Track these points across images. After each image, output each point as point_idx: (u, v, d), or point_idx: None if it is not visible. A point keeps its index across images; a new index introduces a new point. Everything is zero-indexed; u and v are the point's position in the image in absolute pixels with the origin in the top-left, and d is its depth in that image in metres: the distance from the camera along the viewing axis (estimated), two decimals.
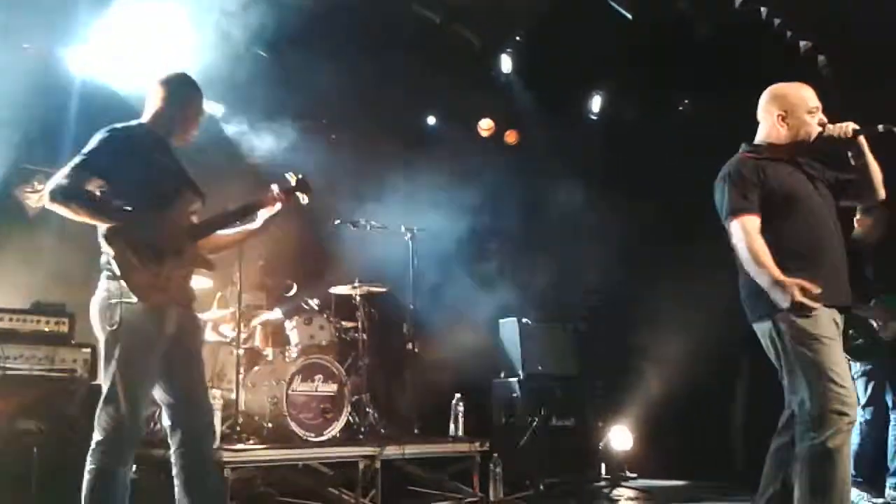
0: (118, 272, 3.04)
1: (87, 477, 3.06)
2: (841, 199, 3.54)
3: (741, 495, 5.94)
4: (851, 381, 3.21)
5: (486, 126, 8.26)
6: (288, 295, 6.39)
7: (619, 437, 7.03)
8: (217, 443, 4.90)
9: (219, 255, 3.68)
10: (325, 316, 6.14)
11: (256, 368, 5.90)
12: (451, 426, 6.33)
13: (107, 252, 3.08)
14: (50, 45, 5.96)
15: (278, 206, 3.60)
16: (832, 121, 3.49)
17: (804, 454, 3.14)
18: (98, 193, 3.12)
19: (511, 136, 8.33)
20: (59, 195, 3.06)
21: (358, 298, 6.41)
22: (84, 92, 6.10)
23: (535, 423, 6.18)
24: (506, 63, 7.70)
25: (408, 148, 7.39)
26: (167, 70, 3.55)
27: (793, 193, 3.37)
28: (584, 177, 7.71)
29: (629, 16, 6.81)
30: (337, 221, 6.29)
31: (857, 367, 5.19)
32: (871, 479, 5.16)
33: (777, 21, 6.69)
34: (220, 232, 3.55)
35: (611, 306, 7.83)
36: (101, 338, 3.12)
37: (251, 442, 5.29)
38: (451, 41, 7.17)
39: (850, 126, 3.41)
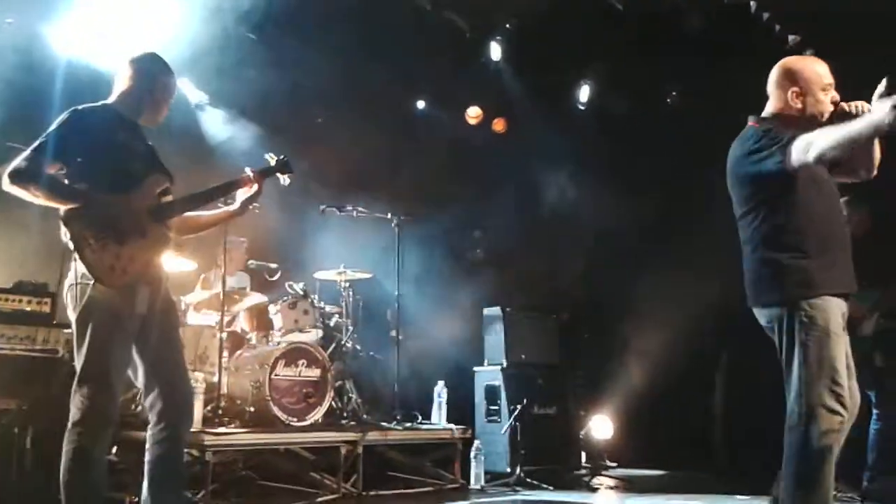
0: (76, 254, 3.03)
1: (63, 458, 3.05)
2: (833, 173, 3.33)
3: (719, 485, 6.02)
4: (847, 381, 3.10)
5: (474, 114, 8.24)
6: (272, 279, 6.37)
7: (600, 427, 7.07)
8: (199, 426, 4.90)
9: (198, 235, 3.66)
10: (309, 301, 6.13)
11: (239, 352, 5.88)
12: (434, 413, 6.36)
13: (64, 234, 3.06)
14: (33, 20, 5.87)
15: (254, 187, 3.55)
16: None
17: (792, 447, 3.08)
18: (57, 175, 3.10)
19: (499, 125, 8.32)
20: (17, 178, 3.04)
21: (343, 284, 6.40)
22: (68, 70, 6.03)
23: (517, 411, 6.20)
24: (495, 50, 7.68)
25: (396, 134, 7.37)
26: (137, 49, 3.51)
27: (813, 175, 3.15)
28: (571, 167, 7.72)
29: (619, 6, 6.80)
30: (323, 207, 6.27)
31: None
32: (849, 473, 5.23)
33: (766, 15, 6.70)
34: (197, 213, 3.52)
35: (594, 296, 7.87)
36: (72, 319, 3.11)
37: (233, 426, 5.27)
38: (441, 27, 7.13)
39: (864, 104, 3.20)
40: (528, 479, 6.02)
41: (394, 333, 6.55)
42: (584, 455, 6.76)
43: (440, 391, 6.40)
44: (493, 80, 7.87)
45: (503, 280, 7.48)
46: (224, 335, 5.60)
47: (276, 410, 5.35)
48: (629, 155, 7.65)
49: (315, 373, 5.64)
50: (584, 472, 6.51)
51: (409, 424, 6.15)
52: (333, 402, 5.83)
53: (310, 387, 5.59)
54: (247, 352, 5.85)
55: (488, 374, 6.69)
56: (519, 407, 6.21)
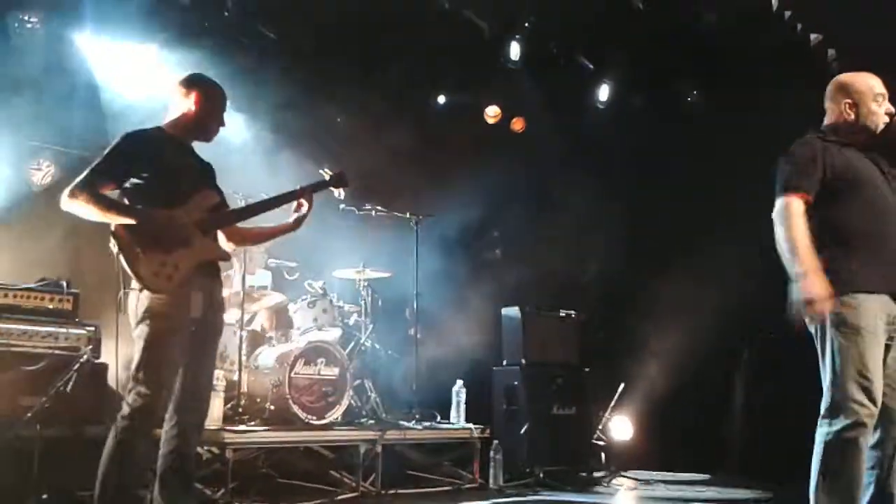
0: (125, 265, 3.26)
1: (106, 450, 3.23)
2: None
3: (738, 487, 5.98)
4: (880, 378, 3.13)
5: (492, 113, 8.22)
6: (292, 278, 6.39)
7: (620, 428, 7.04)
8: (219, 423, 4.93)
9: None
10: (328, 300, 6.14)
11: (259, 350, 5.91)
12: (453, 412, 6.36)
13: (113, 246, 3.28)
14: (60, 23, 5.93)
15: (304, 204, 3.77)
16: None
17: (819, 440, 3.15)
18: (110, 195, 3.36)
19: (518, 124, 8.30)
20: (74, 198, 3.29)
21: (362, 283, 6.41)
22: (91, 72, 6.10)
23: (536, 410, 6.18)
24: (515, 50, 7.67)
25: (414, 133, 7.37)
26: (187, 72, 3.76)
27: (858, 176, 3.29)
28: (590, 166, 7.68)
29: (640, 5, 6.77)
30: (342, 206, 6.28)
31: None
32: None
33: (787, 14, 6.65)
34: (253, 226, 3.84)
35: (614, 296, 7.83)
36: (131, 323, 3.35)
37: (253, 423, 5.30)
38: (460, 26, 7.13)
39: None
40: (547, 480, 6.01)
41: (412, 332, 6.55)
42: (603, 456, 6.73)
43: (459, 390, 6.39)
44: (512, 79, 7.86)
45: (522, 279, 7.46)
46: (244, 333, 5.64)
47: (295, 409, 5.36)
48: (650, 154, 7.62)
49: (334, 371, 5.65)
50: (603, 473, 6.48)
51: (427, 424, 6.15)
52: (352, 401, 5.85)
53: (329, 385, 5.60)
54: (266, 350, 5.87)
55: (507, 374, 6.67)
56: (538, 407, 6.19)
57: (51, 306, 4.49)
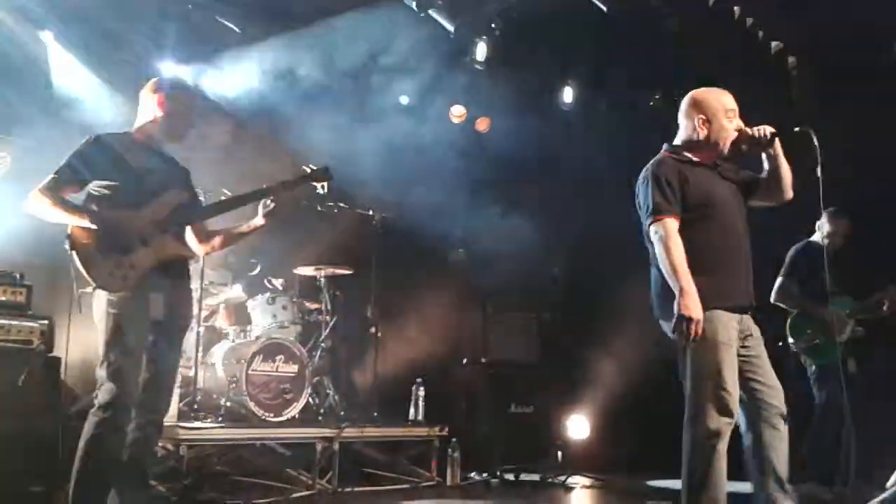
0: (79, 265, 3.30)
1: (81, 443, 3.32)
2: (751, 199, 3.66)
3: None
4: (736, 388, 3.33)
5: (457, 113, 8.22)
6: (252, 274, 6.34)
7: (577, 426, 7.10)
8: (174, 420, 4.88)
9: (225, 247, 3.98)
10: (288, 296, 6.11)
11: (216, 346, 5.86)
12: (412, 410, 6.36)
13: (68, 246, 3.32)
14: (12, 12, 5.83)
15: (271, 201, 3.78)
16: (752, 125, 3.56)
17: (685, 447, 3.36)
18: (72, 197, 3.43)
19: (483, 124, 8.31)
20: (36, 201, 3.38)
21: (322, 280, 6.38)
22: (53, 61, 6.00)
23: (495, 410, 6.21)
24: (481, 50, 7.68)
25: (378, 130, 7.35)
26: (157, 77, 3.88)
27: (709, 198, 3.47)
28: (554, 167, 7.73)
29: (604, 8, 6.81)
30: (304, 202, 6.25)
31: (813, 368, 5.40)
32: (832, 475, 5.30)
33: (749, 20, 6.74)
34: (221, 228, 3.87)
35: (575, 297, 7.87)
36: (95, 321, 3.41)
37: (209, 420, 5.26)
38: (426, 26, 7.12)
39: (767, 129, 3.50)
40: (505, 478, 6.03)
41: (373, 330, 6.54)
42: (560, 454, 6.77)
43: (418, 388, 6.39)
44: (478, 79, 7.87)
45: (484, 278, 7.48)
46: (201, 329, 5.59)
47: (252, 406, 5.33)
48: (613, 156, 7.67)
49: (293, 368, 5.63)
50: (560, 471, 6.52)
51: (386, 422, 6.15)
52: (311, 399, 5.82)
53: (287, 382, 5.58)
54: (224, 346, 5.82)
55: (467, 372, 6.69)
56: (497, 406, 6.22)
57: (3, 298, 4.41)
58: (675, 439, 7.07)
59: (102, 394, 3.32)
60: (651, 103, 8.08)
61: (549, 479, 6.32)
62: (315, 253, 6.43)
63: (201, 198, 4.34)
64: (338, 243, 6.60)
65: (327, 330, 6.30)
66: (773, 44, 7.01)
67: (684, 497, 3.36)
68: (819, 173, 3.54)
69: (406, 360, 6.88)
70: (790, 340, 5.52)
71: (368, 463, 6.04)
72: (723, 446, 3.29)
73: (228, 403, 5.38)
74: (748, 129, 3.52)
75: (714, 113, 3.55)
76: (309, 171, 3.94)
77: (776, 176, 3.57)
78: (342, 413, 6.07)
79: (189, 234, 3.76)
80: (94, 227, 3.31)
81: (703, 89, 3.67)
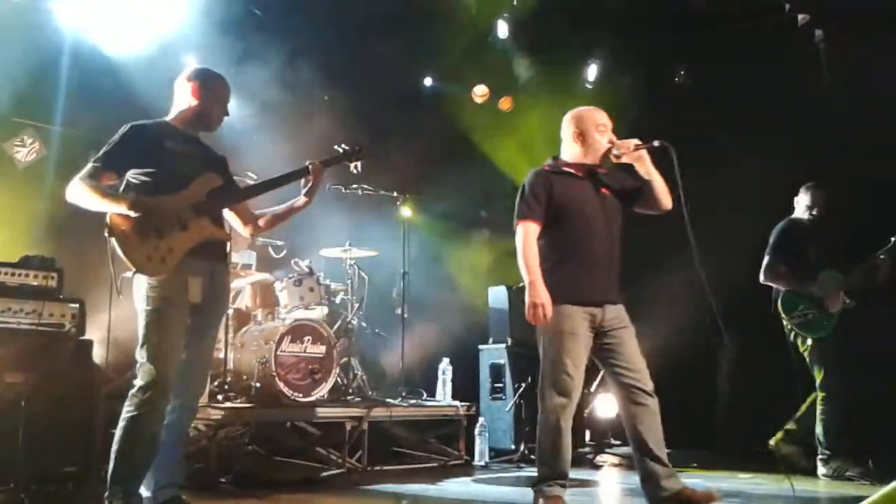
0: (118, 250, 3.32)
1: (120, 423, 3.35)
2: (635, 207, 4.10)
3: (722, 464, 6.04)
4: (577, 373, 3.82)
5: (480, 92, 8.20)
6: (278, 256, 6.39)
7: (605, 405, 7.09)
8: (205, 400, 4.93)
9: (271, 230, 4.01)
10: (315, 278, 6.15)
11: (245, 328, 5.92)
12: (439, 390, 6.40)
13: (106, 232, 3.34)
14: None
15: (310, 179, 3.82)
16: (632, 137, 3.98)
17: (541, 421, 3.87)
18: (111, 185, 3.46)
19: (506, 103, 8.28)
20: (76, 189, 3.41)
21: (348, 262, 6.42)
22: (74, 47, 6.04)
23: (521, 388, 6.22)
24: (503, 28, 7.64)
25: (402, 111, 7.36)
26: (190, 67, 3.86)
27: (568, 204, 3.92)
28: None
29: None
30: (329, 184, 6.27)
31: (809, 344, 5.39)
32: (837, 451, 5.30)
33: None
34: (265, 210, 3.90)
35: None
36: (136, 305, 3.44)
37: (239, 401, 5.32)
38: (449, 4, 7.10)
39: (632, 142, 3.92)
40: (532, 456, 6.04)
41: (399, 311, 6.57)
42: (588, 433, 6.78)
43: (445, 368, 6.43)
44: (500, 58, 7.83)
45: (508, 259, 7.46)
46: (230, 311, 5.64)
47: (281, 386, 5.38)
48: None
49: (320, 349, 5.67)
50: (587, 449, 6.53)
51: (413, 401, 6.19)
52: (339, 379, 5.87)
53: (315, 363, 5.62)
54: (252, 328, 5.88)
55: (493, 352, 6.70)
56: (524, 385, 6.23)
57: (35, 283, 4.45)
58: (700, 417, 7.08)
59: (142, 375, 3.36)
60: (676, 79, 7.99)
61: (578, 458, 6.33)
62: (341, 235, 6.45)
63: (248, 181, 4.42)
64: (363, 225, 6.62)
65: (354, 311, 6.33)
66: (801, 17, 6.89)
67: (538, 465, 3.89)
68: (680, 185, 3.92)
69: (432, 341, 6.91)
70: (783, 318, 5.51)
71: (398, 442, 6.09)
72: (563, 423, 3.79)
73: (258, 384, 5.44)
74: (617, 142, 3.96)
75: (586, 128, 4.00)
76: (342, 150, 3.97)
77: (648, 185, 3.98)
78: (370, 393, 6.12)
79: (234, 217, 3.82)
80: (133, 214, 3.35)
81: (578, 108, 4.11)
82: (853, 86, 6.35)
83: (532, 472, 4.26)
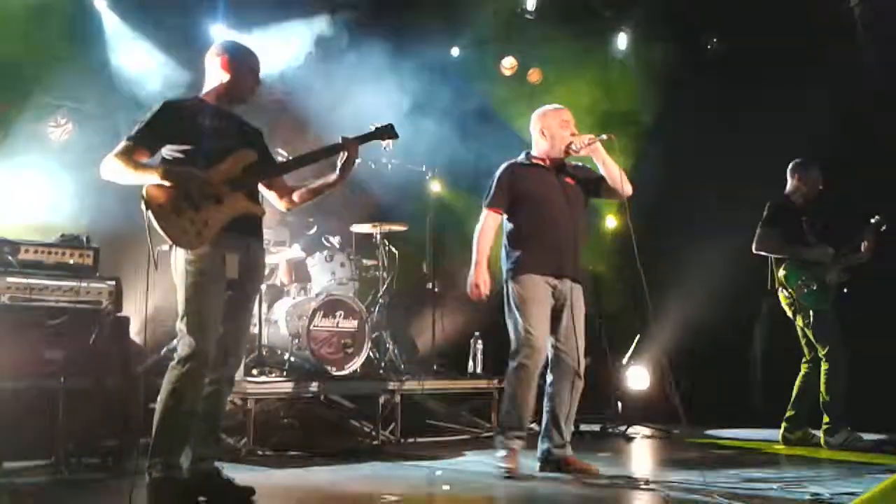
0: (155, 224, 3.33)
1: (160, 395, 3.40)
2: (601, 194, 4.60)
3: (756, 433, 6.02)
4: (540, 331, 4.29)
5: (508, 65, 8.13)
6: (309, 232, 6.42)
7: (636, 377, 7.08)
8: (241, 375, 5.00)
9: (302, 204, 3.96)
10: (345, 253, 6.18)
11: (279, 304, 5.98)
12: (470, 363, 6.42)
13: (143, 205, 3.35)
14: None
15: (345, 155, 3.80)
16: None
17: (508, 373, 4.38)
18: (146, 161, 3.47)
19: (534, 75, 8.20)
20: (111, 166, 3.42)
21: (378, 236, 6.44)
22: (108, 29, 6.09)
23: None
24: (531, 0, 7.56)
25: (429, 84, 7.32)
26: (220, 41, 3.90)
27: (534, 192, 4.44)
28: (609, 116, 7.60)
29: None
30: (357, 160, 6.26)
31: (810, 315, 5.48)
32: (844, 419, 5.40)
33: None
34: (300, 184, 3.89)
35: (631, 248, 7.79)
36: (175, 279, 3.48)
37: (274, 375, 5.39)
38: None
39: (587, 136, 4.40)
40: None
41: (430, 285, 6.59)
42: (619, 406, 6.77)
43: (476, 342, 6.45)
44: (529, 29, 7.75)
45: None
46: (263, 287, 5.70)
47: (314, 360, 5.44)
48: (669, 102, 7.53)
49: (353, 324, 5.72)
50: (620, 421, 6.52)
51: (445, 374, 6.22)
52: (371, 353, 5.92)
53: (348, 337, 5.67)
54: (286, 304, 5.94)
55: None
56: None
57: (72, 261, 4.52)
58: (737, 388, 7.05)
59: (181, 348, 3.40)
60: (709, 47, 7.87)
61: (609, 430, 6.35)
62: (370, 210, 6.47)
63: (279, 157, 4.44)
64: (392, 199, 6.62)
65: (385, 286, 6.37)
66: None
67: (502, 407, 4.48)
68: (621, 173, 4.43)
69: (463, 314, 6.93)
70: (784, 293, 5.60)
71: (430, 415, 6.14)
72: (526, 377, 4.28)
73: (292, 359, 5.50)
74: (576, 137, 4.42)
75: (550, 124, 4.51)
76: (376, 128, 3.96)
77: (607, 174, 4.44)
78: (402, 367, 6.17)
79: (269, 192, 3.83)
80: (167, 183, 3.34)
81: (544, 107, 4.62)
82: (888, 46, 6.25)
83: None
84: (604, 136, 4.37)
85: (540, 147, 4.58)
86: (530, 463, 4.43)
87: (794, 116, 6.24)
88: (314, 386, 5.43)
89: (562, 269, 4.37)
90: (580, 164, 4.65)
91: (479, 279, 4.37)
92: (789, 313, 5.63)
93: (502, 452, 4.31)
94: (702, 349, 7.07)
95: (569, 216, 4.41)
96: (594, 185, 4.56)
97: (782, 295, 5.63)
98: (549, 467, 4.38)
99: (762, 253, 5.68)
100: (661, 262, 7.32)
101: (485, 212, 4.51)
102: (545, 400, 4.46)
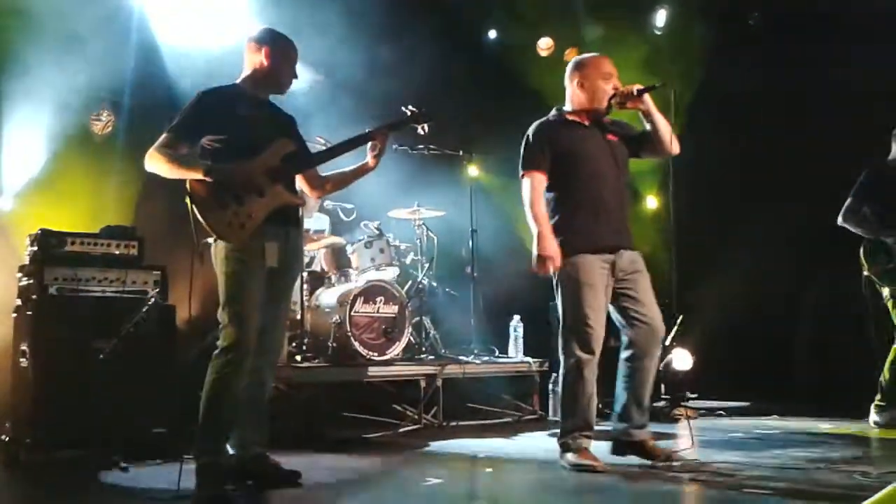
0: (200, 218, 3.37)
1: (206, 384, 3.45)
2: (641, 154, 4.10)
3: (803, 413, 5.95)
4: (599, 325, 3.85)
5: (545, 45, 8.05)
6: (348, 219, 6.46)
7: (680, 358, 7.01)
8: (284, 361, 5.07)
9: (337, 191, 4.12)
10: (384, 240, 6.21)
11: (320, 290, 6.03)
12: (511, 347, 6.42)
13: (187, 199, 3.40)
14: None
15: (379, 143, 3.80)
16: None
17: (561, 370, 3.96)
18: (187, 153, 3.51)
19: (572, 55, 8.10)
20: (153, 159, 3.46)
21: (417, 222, 6.45)
22: (147, 23, 6.15)
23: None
24: None
25: (466, 67, 7.29)
26: (256, 28, 3.84)
27: (576, 153, 3.93)
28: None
29: None
30: (395, 146, 6.28)
31: (887, 294, 5.22)
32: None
33: None
34: (334, 172, 3.95)
35: (673, 227, 7.71)
36: (217, 268, 3.52)
37: (317, 361, 5.45)
38: None
39: (635, 87, 3.88)
40: (606, 410, 6.04)
41: (469, 270, 6.60)
42: (663, 386, 6.72)
43: (516, 325, 6.45)
44: (565, 8, 7.67)
45: None
46: (305, 274, 5.75)
47: (356, 346, 5.49)
48: (710, 79, 7.40)
49: (393, 309, 5.75)
50: (663, 403, 6.47)
51: (486, 358, 6.24)
52: (412, 338, 5.95)
53: (388, 323, 5.70)
54: (327, 290, 5.98)
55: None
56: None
57: (117, 252, 4.61)
58: (783, 367, 6.94)
59: (224, 337, 3.44)
60: (750, 22, 7.70)
61: (653, 411, 6.29)
62: (408, 196, 6.48)
63: (317, 146, 4.45)
64: (430, 185, 6.62)
65: (424, 271, 6.38)
66: None
67: (560, 408, 4.02)
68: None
69: (503, 298, 6.92)
70: (864, 267, 5.30)
71: (472, 398, 6.16)
72: (588, 374, 3.86)
73: (334, 344, 5.55)
74: (621, 88, 3.92)
75: (588, 75, 3.98)
76: (409, 113, 3.94)
77: (654, 130, 3.94)
78: (443, 351, 6.19)
79: (301, 181, 3.85)
80: (210, 180, 3.38)
81: (582, 55, 4.14)
82: None
83: (605, 426, 4.28)
84: (656, 85, 3.93)
85: (577, 101, 4.03)
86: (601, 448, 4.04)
87: (843, 94, 6.07)
88: (356, 371, 5.47)
89: (619, 241, 3.92)
90: (617, 119, 4.16)
91: (549, 250, 3.81)
92: (866, 287, 5.35)
93: (572, 454, 3.88)
94: (746, 328, 6.98)
95: (617, 179, 3.97)
96: (636, 142, 4.07)
97: (864, 269, 5.32)
98: (630, 451, 3.98)
99: (847, 227, 5.28)
100: (706, 241, 7.25)
101: (528, 177, 3.96)
102: (621, 378, 4.00)
